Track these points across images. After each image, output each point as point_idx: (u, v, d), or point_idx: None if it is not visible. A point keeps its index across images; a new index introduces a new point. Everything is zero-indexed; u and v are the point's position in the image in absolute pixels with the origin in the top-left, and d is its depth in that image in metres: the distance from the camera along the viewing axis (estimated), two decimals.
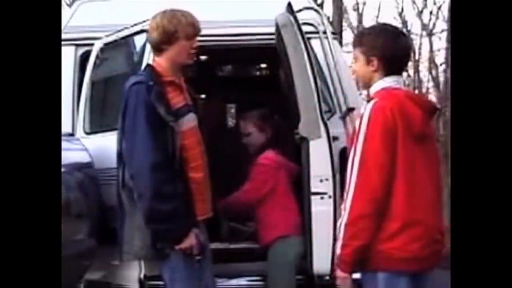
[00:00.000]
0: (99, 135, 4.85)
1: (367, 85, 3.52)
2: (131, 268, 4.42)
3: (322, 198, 4.56)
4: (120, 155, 4.02)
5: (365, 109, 3.39)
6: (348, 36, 16.65)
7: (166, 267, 3.97)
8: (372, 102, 3.38)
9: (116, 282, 4.68)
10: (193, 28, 4.01)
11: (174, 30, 3.96)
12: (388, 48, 3.44)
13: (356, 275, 3.45)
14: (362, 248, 3.32)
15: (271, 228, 4.80)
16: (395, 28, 3.64)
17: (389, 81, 3.46)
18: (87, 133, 4.98)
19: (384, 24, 4.02)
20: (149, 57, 4.51)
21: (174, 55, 4.00)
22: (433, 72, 17.09)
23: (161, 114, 3.85)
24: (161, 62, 4.03)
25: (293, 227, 4.76)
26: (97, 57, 5.07)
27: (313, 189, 4.57)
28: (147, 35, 4.09)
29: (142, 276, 4.39)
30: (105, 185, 4.51)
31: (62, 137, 3.82)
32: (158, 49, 4.02)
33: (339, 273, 3.43)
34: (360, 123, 3.37)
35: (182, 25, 3.96)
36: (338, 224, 3.42)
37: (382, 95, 3.41)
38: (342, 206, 3.41)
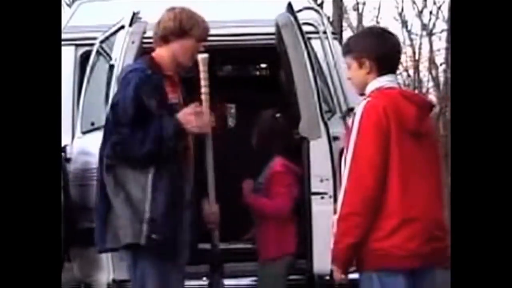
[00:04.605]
0: (87, 135, 4.85)
1: (364, 89, 3.50)
2: (102, 271, 4.41)
3: (322, 198, 4.56)
4: None
5: (358, 109, 3.40)
6: (348, 36, 16.64)
7: (138, 265, 3.89)
8: (364, 101, 3.39)
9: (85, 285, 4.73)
10: (205, 33, 4.07)
11: (189, 27, 4.00)
12: (377, 46, 3.46)
13: (354, 275, 3.44)
14: (354, 245, 3.32)
15: (280, 243, 4.58)
16: (380, 28, 3.68)
17: (382, 81, 3.46)
18: (83, 133, 4.98)
19: (369, 27, 4.09)
20: (121, 56, 4.51)
21: (180, 51, 4.01)
22: (433, 72, 17.06)
23: (152, 106, 3.85)
24: (163, 55, 4.02)
25: (297, 245, 4.61)
26: (93, 56, 5.09)
27: (313, 189, 4.57)
28: (156, 25, 4.04)
29: (111, 280, 4.37)
30: (85, 186, 4.53)
31: None
32: (165, 39, 4.00)
33: (333, 268, 3.44)
34: (353, 122, 3.39)
35: (198, 25, 4.03)
36: (331, 221, 3.44)
37: (375, 94, 3.42)
38: (338, 204, 3.42)
